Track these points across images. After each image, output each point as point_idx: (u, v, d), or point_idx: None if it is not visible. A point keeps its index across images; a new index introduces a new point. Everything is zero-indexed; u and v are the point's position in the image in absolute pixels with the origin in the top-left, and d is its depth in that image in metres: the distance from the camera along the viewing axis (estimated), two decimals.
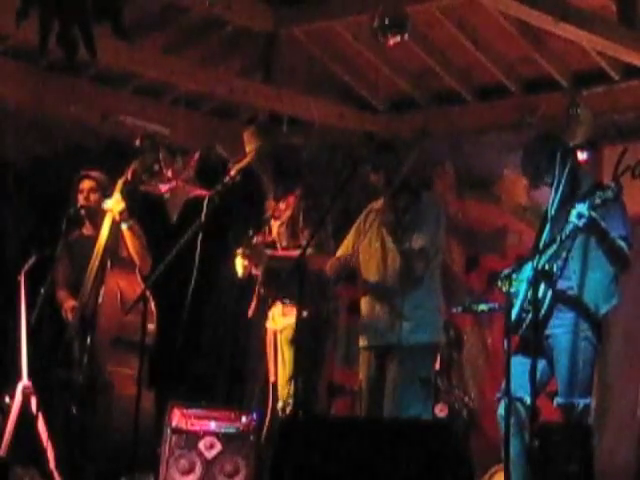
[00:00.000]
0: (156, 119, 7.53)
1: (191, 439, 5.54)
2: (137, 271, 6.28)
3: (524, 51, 7.06)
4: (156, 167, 6.24)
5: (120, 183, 6.24)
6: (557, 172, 5.10)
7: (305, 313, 5.30)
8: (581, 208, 4.87)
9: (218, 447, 5.53)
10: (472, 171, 7.67)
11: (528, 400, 4.87)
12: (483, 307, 5.99)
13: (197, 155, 7.23)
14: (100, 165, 6.62)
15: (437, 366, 6.49)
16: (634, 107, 6.98)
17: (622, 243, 5.10)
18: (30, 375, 5.95)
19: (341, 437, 4.22)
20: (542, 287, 4.97)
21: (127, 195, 6.23)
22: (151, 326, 6.05)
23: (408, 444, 4.10)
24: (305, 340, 5.47)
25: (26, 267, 6.13)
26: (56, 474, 5.79)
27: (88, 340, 6.07)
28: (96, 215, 6.34)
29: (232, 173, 5.63)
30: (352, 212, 6.08)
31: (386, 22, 6.15)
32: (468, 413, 6.79)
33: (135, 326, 5.67)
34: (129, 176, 6.23)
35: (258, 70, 7.56)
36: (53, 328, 6.33)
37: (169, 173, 6.97)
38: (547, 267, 4.97)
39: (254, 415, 5.64)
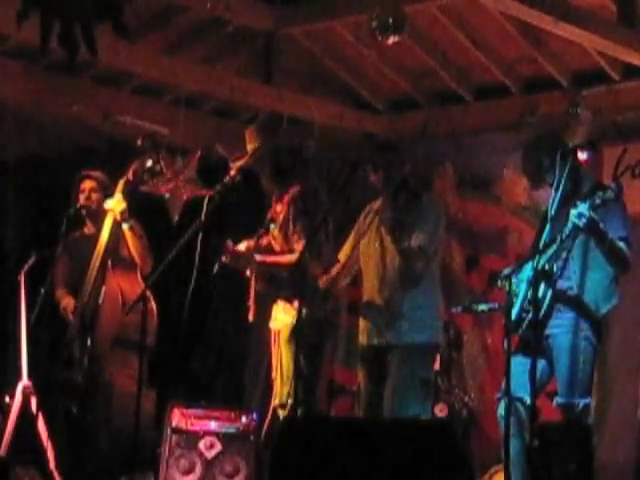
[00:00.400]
0: (156, 119, 7.53)
1: (191, 439, 5.54)
2: (138, 271, 6.28)
3: (524, 51, 7.06)
4: (157, 167, 6.24)
5: (121, 183, 6.25)
6: (557, 172, 5.10)
7: (305, 313, 5.30)
8: (582, 208, 4.87)
9: (218, 447, 5.53)
10: (472, 171, 7.67)
11: (528, 400, 4.87)
12: (483, 307, 6.00)
13: (198, 155, 7.24)
14: (101, 165, 6.63)
15: (437, 366, 6.50)
16: (634, 107, 6.98)
17: (622, 244, 5.10)
18: (30, 375, 5.95)
19: (341, 437, 4.21)
20: (542, 287, 4.98)
21: (128, 195, 6.24)
22: (151, 326, 6.04)
23: (408, 444, 4.10)
24: (305, 340, 5.47)
25: (26, 267, 6.13)
26: (56, 474, 5.79)
27: (88, 340, 6.07)
28: (97, 215, 6.34)
29: (232, 173, 5.64)
30: (352, 213, 6.07)
31: (384, 22, 6.15)
32: (468, 413, 6.79)
33: (135, 326, 5.66)
34: (130, 176, 6.23)
35: (258, 70, 7.55)
36: (53, 328, 6.33)
37: (169, 173, 6.97)
38: (547, 267, 4.97)
39: (254, 415, 5.65)
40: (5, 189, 7.77)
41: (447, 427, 4.60)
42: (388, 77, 7.72)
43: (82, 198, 6.37)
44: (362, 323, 5.82)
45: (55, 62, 6.85)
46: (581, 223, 4.87)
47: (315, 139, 7.15)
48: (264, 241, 5.98)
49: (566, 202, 5.06)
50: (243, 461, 5.51)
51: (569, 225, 4.91)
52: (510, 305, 5.00)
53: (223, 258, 5.79)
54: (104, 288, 6.17)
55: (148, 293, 5.66)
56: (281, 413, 5.78)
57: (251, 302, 5.99)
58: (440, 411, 6.58)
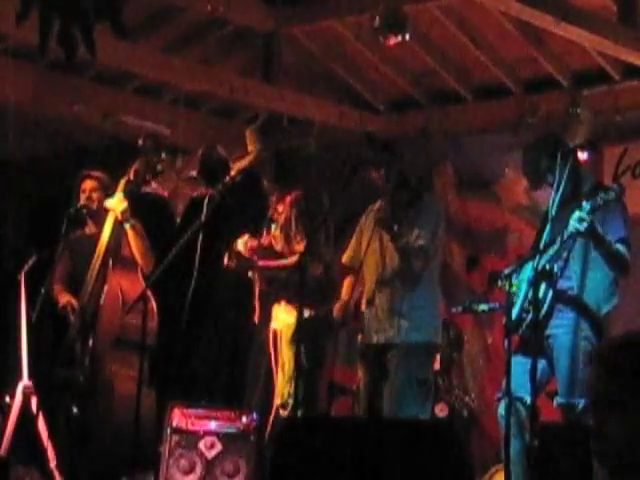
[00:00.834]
0: (156, 119, 7.53)
1: (191, 439, 5.54)
2: (139, 271, 6.27)
3: (524, 51, 7.06)
4: (159, 167, 6.24)
5: (122, 183, 6.25)
6: (557, 172, 5.10)
7: (307, 313, 5.32)
8: (583, 211, 4.86)
9: (218, 447, 5.53)
10: (472, 171, 7.67)
11: (528, 400, 4.87)
12: (483, 307, 6.00)
13: (199, 154, 7.24)
14: (101, 165, 6.62)
15: (437, 366, 6.50)
16: (634, 107, 6.98)
17: (621, 246, 5.09)
18: (30, 375, 5.95)
19: (341, 437, 4.21)
20: (542, 287, 4.97)
21: (130, 195, 6.23)
22: (152, 326, 6.04)
23: (408, 444, 4.10)
24: (306, 340, 5.48)
25: (26, 267, 6.13)
26: (56, 474, 5.79)
27: (90, 340, 6.07)
28: (98, 215, 6.33)
29: (232, 173, 5.64)
30: (353, 214, 6.07)
31: (386, 22, 6.15)
32: (468, 413, 6.79)
33: (136, 326, 5.67)
34: (132, 176, 6.23)
35: (258, 70, 7.55)
36: (53, 328, 6.33)
37: (170, 173, 6.97)
38: (548, 267, 4.97)
39: (254, 415, 5.64)
40: (5, 189, 7.77)
41: (447, 427, 4.60)
42: (388, 77, 7.72)
43: (83, 198, 6.37)
44: (361, 321, 5.83)
45: (55, 62, 6.85)
46: (582, 227, 4.86)
47: (315, 139, 7.16)
48: (265, 241, 5.99)
49: (566, 202, 5.05)
50: (243, 461, 5.51)
51: (569, 228, 4.90)
52: (510, 305, 5.00)
53: (226, 261, 5.81)
54: (105, 288, 6.17)
55: (148, 293, 5.66)
56: (282, 413, 5.78)
57: (256, 303, 6.01)
58: (440, 411, 6.58)
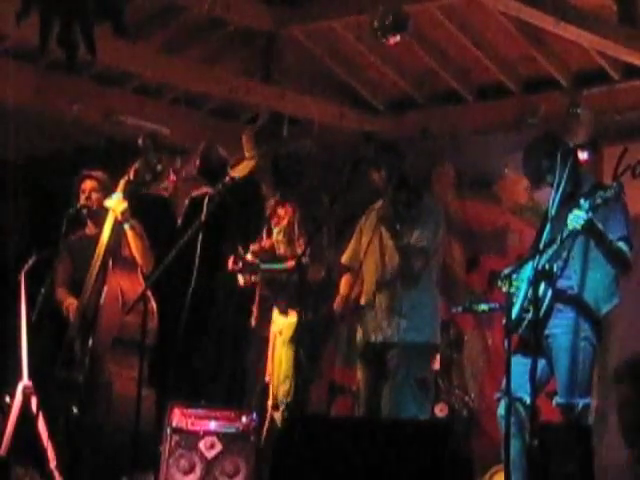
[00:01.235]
0: (156, 119, 7.53)
1: (191, 439, 5.54)
2: (139, 271, 6.27)
3: (524, 51, 7.05)
4: (159, 167, 6.24)
5: (122, 183, 6.25)
6: (557, 172, 5.10)
7: (306, 316, 5.33)
8: (580, 209, 4.86)
9: (218, 447, 5.54)
10: (472, 171, 7.67)
11: (528, 400, 4.87)
12: (483, 307, 6.00)
13: (199, 153, 7.24)
14: (101, 165, 6.62)
15: (437, 366, 6.50)
16: (634, 107, 6.98)
17: (622, 244, 5.09)
18: (30, 375, 5.95)
19: (341, 437, 4.21)
20: (542, 287, 4.97)
21: (129, 195, 6.23)
22: (151, 326, 6.04)
23: (408, 444, 4.10)
24: (304, 342, 5.49)
25: (26, 267, 6.13)
26: (56, 474, 5.79)
27: (90, 340, 6.07)
28: (98, 215, 6.33)
29: (231, 175, 5.65)
30: (354, 215, 6.08)
31: (386, 22, 6.15)
32: (468, 413, 6.79)
33: (136, 326, 5.67)
34: (131, 175, 6.23)
35: (258, 70, 7.55)
36: (53, 328, 6.33)
37: (170, 173, 6.97)
38: (547, 267, 4.96)
39: (254, 415, 5.65)
40: (5, 189, 7.76)
41: (447, 427, 4.60)
42: (388, 77, 7.72)
43: (83, 198, 6.37)
44: (360, 320, 5.83)
45: (55, 62, 6.85)
46: (578, 226, 4.86)
47: (315, 139, 7.15)
48: (266, 244, 6.00)
49: (566, 202, 5.05)
50: (243, 461, 5.51)
51: (568, 227, 4.90)
52: (510, 305, 5.00)
53: (229, 265, 5.82)
54: (105, 288, 6.17)
55: (148, 293, 5.66)
56: (275, 414, 5.79)
57: (255, 307, 6.02)
58: (440, 411, 6.58)
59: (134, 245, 6.24)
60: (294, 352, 5.67)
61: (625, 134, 6.84)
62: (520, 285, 5.08)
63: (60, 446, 5.87)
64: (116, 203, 6.20)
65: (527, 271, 5.02)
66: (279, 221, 5.94)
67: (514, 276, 4.99)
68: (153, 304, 6.00)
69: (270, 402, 5.87)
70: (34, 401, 5.88)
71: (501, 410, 5.03)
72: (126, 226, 6.21)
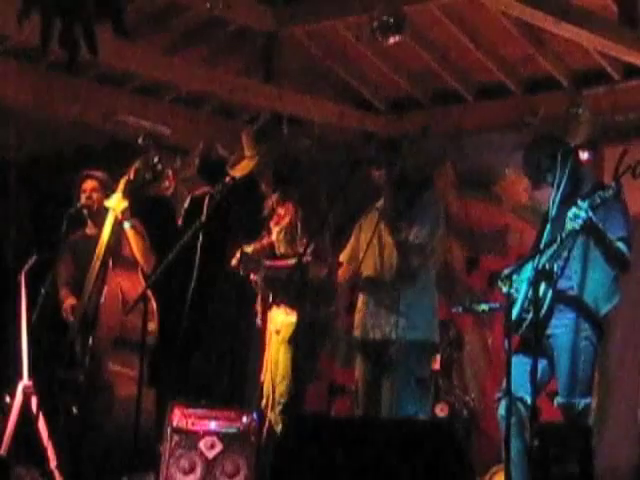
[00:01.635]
0: (156, 119, 7.53)
1: (192, 439, 5.54)
2: (139, 270, 6.27)
3: (525, 51, 7.05)
4: (159, 166, 6.24)
5: (122, 182, 6.25)
6: (558, 172, 5.10)
7: (305, 314, 5.32)
8: (578, 209, 4.86)
9: (219, 447, 5.53)
10: (473, 171, 7.67)
11: (529, 400, 4.87)
12: (484, 307, 6.00)
13: (199, 153, 7.24)
14: (101, 164, 6.62)
15: (437, 366, 6.50)
16: (635, 107, 6.98)
17: (621, 244, 5.09)
18: (31, 375, 5.95)
19: (341, 437, 4.21)
20: (543, 287, 4.97)
21: (129, 194, 6.23)
22: (152, 326, 6.04)
23: (408, 444, 4.10)
24: (302, 341, 5.49)
25: (26, 267, 6.13)
26: (56, 474, 5.79)
27: (90, 340, 6.07)
28: (99, 215, 6.33)
29: (231, 174, 5.65)
30: (353, 215, 6.08)
31: (384, 22, 6.15)
32: (469, 413, 6.79)
33: (136, 326, 5.67)
34: (131, 175, 6.23)
35: (258, 70, 7.55)
36: (54, 328, 6.33)
37: (170, 173, 6.97)
38: (548, 267, 4.97)
39: (254, 415, 5.64)
40: (5, 189, 7.76)
41: (448, 427, 4.60)
42: (388, 77, 7.72)
43: (83, 198, 6.37)
44: (357, 318, 5.84)
45: (55, 62, 6.85)
46: (577, 225, 4.86)
47: (315, 139, 7.16)
48: (266, 243, 6.00)
49: (567, 202, 5.05)
50: (244, 461, 5.51)
51: (567, 227, 4.90)
52: (510, 305, 5.00)
53: (232, 262, 5.82)
54: (105, 288, 6.17)
55: (149, 293, 5.66)
56: (270, 414, 5.79)
57: (258, 305, 6.02)
58: (441, 411, 6.58)
59: (135, 244, 6.24)
60: (292, 352, 5.67)
61: (625, 134, 6.84)
62: (520, 285, 5.09)
63: (60, 446, 5.87)
64: (116, 202, 6.20)
65: (527, 271, 5.02)
66: (279, 220, 5.94)
67: (514, 276, 4.99)
68: (153, 304, 6.00)
69: (264, 402, 5.87)
70: (34, 401, 5.89)
71: (502, 410, 5.03)
72: (126, 225, 6.21)
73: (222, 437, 5.54)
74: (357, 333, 5.85)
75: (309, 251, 5.37)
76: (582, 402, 5.08)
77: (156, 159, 6.21)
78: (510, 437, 4.76)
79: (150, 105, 7.65)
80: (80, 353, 6.11)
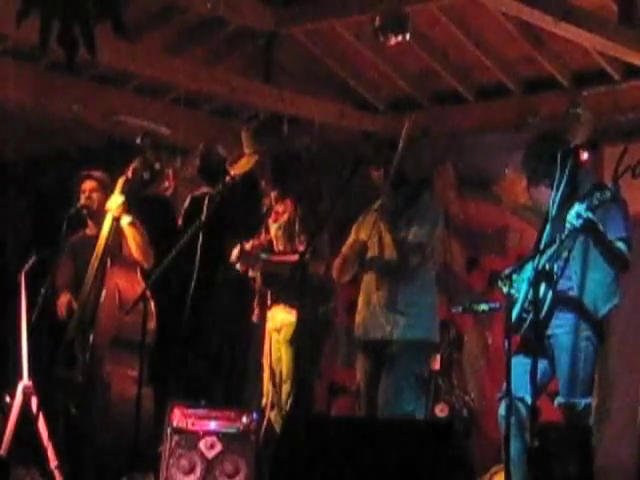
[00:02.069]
0: (156, 118, 7.53)
1: (192, 439, 5.54)
2: (138, 270, 6.27)
3: (525, 51, 7.05)
4: (157, 166, 6.24)
5: (121, 181, 6.25)
6: (558, 172, 5.10)
7: (306, 315, 5.32)
8: (578, 209, 4.86)
9: (219, 447, 5.53)
10: (472, 171, 7.67)
11: (529, 400, 4.87)
12: (484, 307, 6.00)
13: (199, 153, 7.23)
14: (101, 164, 6.62)
15: (437, 366, 6.50)
16: (635, 107, 6.98)
17: (621, 245, 5.09)
18: (30, 375, 5.95)
19: (341, 437, 4.21)
20: (543, 287, 4.97)
21: (128, 193, 6.23)
22: (150, 326, 6.04)
23: (408, 444, 4.10)
24: (303, 341, 5.49)
25: (26, 267, 6.13)
26: (56, 474, 5.79)
27: (90, 340, 6.06)
28: (98, 215, 6.33)
29: (231, 175, 5.65)
30: (354, 214, 6.08)
31: (387, 22, 6.15)
32: (469, 413, 6.79)
33: (134, 326, 5.67)
34: (130, 174, 6.23)
35: (258, 70, 7.55)
36: (53, 328, 6.33)
37: (169, 172, 6.97)
38: (548, 267, 4.97)
39: (254, 415, 5.64)
40: (5, 189, 7.77)
41: (448, 427, 4.60)
42: (388, 77, 7.72)
43: (83, 198, 6.37)
44: (358, 317, 5.84)
45: (55, 62, 6.85)
46: (578, 224, 4.86)
47: (315, 138, 7.16)
48: (264, 240, 5.99)
49: (566, 202, 5.05)
50: (243, 461, 5.51)
51: (567, 226, 4.90)
52: (510, 305, 5.00)
53: (232, 258, 5.81)
54: (104, 287, 6.16)
55: (148, 293, 5.66)
56: (271, 414, 5.79)
57: (255, 303, 6.01)
58: (441, 411, 6.58)
59: (133, 240, 6.22)
60: (294, 352, 5.66)
61: (625, 134, 6.84)
62: (520, 286, 5.08)
63: (60, 446, 5.87)
64: (113, 199, 6.20)
65: (527, 271, 5.02)
66: (278, 217, 5.93)
67: (514, 276, 4.99)
68: (152, 304, 6.00)
69: (264, 401, 5.86)
70: (34, 401, 5.89)
71: (502, 410, 5.03)
72: (124, 221, 6.20)
73: (222, 437, 5.54)
74: (357, 332, 5.86)
75: (305, 248, 5.36)
76: (582, 402, 5.07)
77: (154, 158, 6.20)
78: (510, 437, 4.76)
79: (150, 105, 7.65)
80: (79, 353, 6.11)
